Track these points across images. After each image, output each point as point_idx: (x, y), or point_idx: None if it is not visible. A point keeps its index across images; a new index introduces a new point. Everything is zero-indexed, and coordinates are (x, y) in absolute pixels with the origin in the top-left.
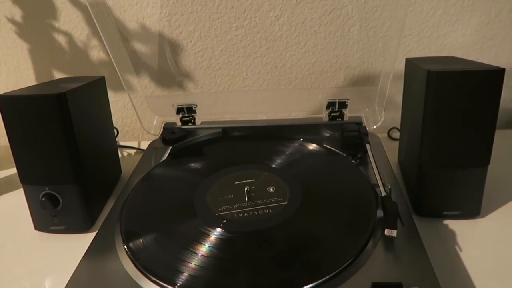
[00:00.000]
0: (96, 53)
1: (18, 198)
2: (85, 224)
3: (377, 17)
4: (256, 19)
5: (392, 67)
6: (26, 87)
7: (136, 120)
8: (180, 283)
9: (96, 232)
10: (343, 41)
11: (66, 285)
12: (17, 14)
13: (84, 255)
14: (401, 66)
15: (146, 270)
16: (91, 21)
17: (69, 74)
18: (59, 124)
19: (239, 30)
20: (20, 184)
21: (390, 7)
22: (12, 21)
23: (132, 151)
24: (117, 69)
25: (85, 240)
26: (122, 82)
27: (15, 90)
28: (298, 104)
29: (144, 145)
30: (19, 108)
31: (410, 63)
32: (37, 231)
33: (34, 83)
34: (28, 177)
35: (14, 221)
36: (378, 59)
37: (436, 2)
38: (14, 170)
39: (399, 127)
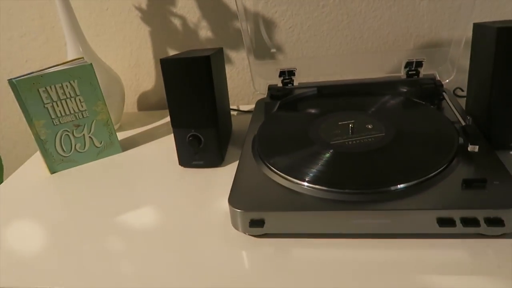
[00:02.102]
0: (204, 33)
1: (153, 147)
2: (219, 160)
3: None
4: None
5: (465, 29)
6: (174, 54)
7: (233, 89)
8: (308, 179)
9: (238, 161)
10: (414, 13)
11: (231, 189)
12: (143, 2)
13: (237, 169)
14: (466, 33)
15: (285, 173)
16: (202, 6)
17: (180, 51)
18: (204, 81)
19: (325, 8)
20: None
21: None
22: (139, 8)
23: (235, 113)
24: (244, 41)
25: (219, 172)
26: (246, 51)
27: (169, 56)
28: (375, 66)
29: (243, 108)
30: (175, 68)
31: (478, 26)
32: (181, 167)
33: (152, 60)
34: (179, 122)
35: (159, 161)
36: (445, 27)
37: None
38: (138, 131)
39: (462, 87)
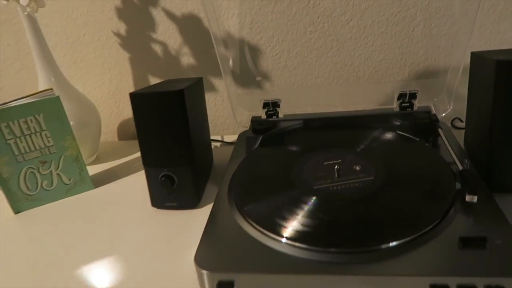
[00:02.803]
0: (186, 59)
1: (128, 183)
2: (194, 201)
3: (440, 17)
4: (329, 23)
5: (462, 60)
6: (145, 87)
7: (218, 118)
8: (287, 235)
9: (213, 203)
10: (408, 40)
11: (199, 243)
12: (122, 28)
13: (208, 220)
14: (465, 60)
15: (260, 226)
16: (184, 31)
17: (162, 79)
18: (178, 116)
19: (313, 34)
20: (123, 173)
21: (454, 7)
22: (117, 34)
23: (218, 144)
24: (221, 70)
25: (193, 215)
26: (224, 80)
27: (140, 89)
28: (367, 97)
29: (226, 139)
30: (147, 103)
31: (476, 55)
32: (153, 208)
33: (132, 87)
34: (151, 161)
35: (131, 200)
36: (441, 54)
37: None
38: (116, 162)
39: (461, 117)
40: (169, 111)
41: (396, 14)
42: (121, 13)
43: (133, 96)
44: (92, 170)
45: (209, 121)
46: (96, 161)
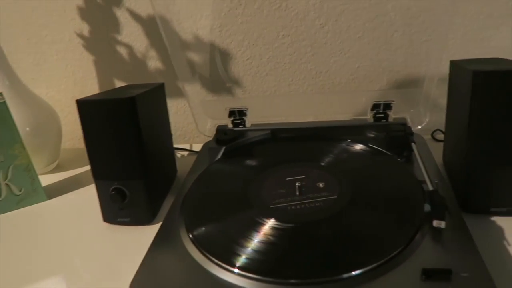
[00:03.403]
0: (153, 63)
1: (86, 194)
2: (148, 217)
3: (420, 23)
4: (302, 28)
5: (437, 69)
6: (98, 93)
7: (188, 125)
8: (239, 264)
9: (161, 222)
10: (386, 46)
11: (138, 269)
12: (85, 29)
13: (152, 242)
14: (444, 69)
15: (210, 253)
16: (150, 34)
17: (128, 82)
18: (129, 125)
19: (286, 38)
20: (84, 182)
21: (434, 12)
22: (80, 35)
23: (185, 153)
24: (178, 76)
25: (147, 231)
26: (182, 87)
27: (89, 96)
28: (342, 107)
29: (195, 147)
30: (95, 110)
31: (455, 65)
32: (105, 223)
33: (97, 91)
34: (100, 173)
35: (83, 214)
36: (422, 62)
37: (480, 6)
38: (78, 171)
39: (442, 129)
40: (119, 119)
41: (374, 18)
42: (84, 13)
43: (80, 104)
44: (51, 179)
45: (179, 129)
46: (57, 169)
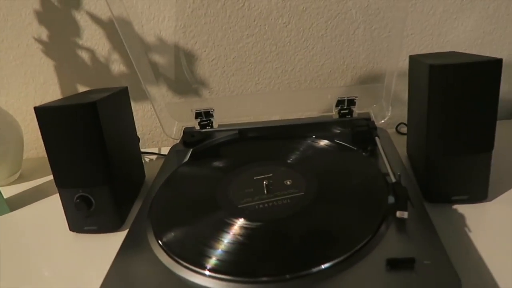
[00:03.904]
0: (117, 67)
1: (51, 204)
2: (116, 223)
3: (380, 19)
4: (266, 27)
5: (396, 64)
6: (58, 99)
7: (155, 128)
8: (210, 266)
9: (129, 228)
10: (349, 43)
11: (106, 277)
12: (44, 34)
13: (119, 249)
14: (405, 64)
15: (179, 257)
16: (112, 37)
17: (92, 87)
18: (91, 131)
19: (250, 38)
20: (49, 191)
21: (392, 9)
22: (39, 40)
23: (154, 157)
24: (141, 79)
25: (116, 238)
26: (146, 91)
27: (49, 102)
28: (309, 104)
29: (164, 151)
30: (54, 117)
31: (414, 59)
32: (71, 232)
33: (60, 97)
34: (64, 181)
35: (49, 224)
36: (383, 58)
37: (436, 1)
38: (42, 180)
39: (406, 123)
40: (80, 126)
41: (336, 16)
42: (42, 17)
43: (39, 111)
44: (14, 190)
45: (147, 133)
46: (20, 179)
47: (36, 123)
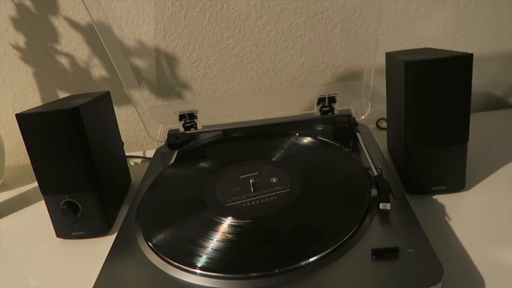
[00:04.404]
0: (98, 71)
1: (36, 211)
2: (104, 228)
3: (356, 18)
4: (245, 28)
5: (373, 62)
6: (39, 106)
7: (139, 132)
8: (201, 265)
9: (117, 231)
10: (327, 42)
11: (96, 280)
12: (21, 40)
13: (109, 253)
14: (382, 61)
15: (170, 258)
16: (91, 41)
17: (72, 93)
18: (75, 136)
19: (230, 40)
20: (33, 199)
21: (367, 8)
22: (16, 47)
23: (139, 160)
24: (123, 83)
25: (104, 243)
26: (129, 95)
27: (30, 109)
28: (291, 103)
29: (149, 154)
30: (37, 124)
31: (390, 56)
32: (59, 238)
33: (40, 103)
34: (49, 187)
35: (35, 232)
36: (361, 56)
37: (409, 1)
38: (25, 188)
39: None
40: (63, 131)
41: (313, 16)
42: (18, 23)
43: (20, 118)
44: None
45: (131, 136)
46: (2, 188)
47: (16, 130)
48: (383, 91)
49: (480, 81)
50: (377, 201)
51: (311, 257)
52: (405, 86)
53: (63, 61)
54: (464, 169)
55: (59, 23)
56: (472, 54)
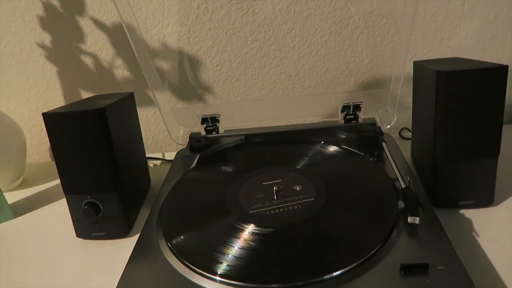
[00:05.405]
0: (121, 72)
1: (56, 210)
2: (124, 230)
3: (383, 25)
4: (270, 32)
5: (402, 70)
6: (65, 105)
7: (159, 133)
8: (221, 272)
9: (139, 234)
10: (352, 49)
11: (119, 283)
12: (46, 39)
13: (131, 255)
14: (408, 69)
15: (191, 263)
16: (116, 42)
17: (95, 93)
18: (100, 137)
19: (254, 44)
20: (53, 197)
21: (396, 15)
22: (42, 46)
23: (158, 162)
24: (148, 84)
25: (124, 244)
26: (152, 96)
27: (56, 108)
28: (312, 110)
29: (168, 156)
30: (63, 123)
31: (418, 65)
32: (78, 238)
33: (62, 103)
34: (71, 187)
35: (55, 230)
36: (386, 63)
37: (438, 8)
38: (46, 186)
39: (409, 127)
40: (89, 131)
41: (339, 22)
42: (45, 23)
43: (47, 117)
44: (17, 196)
45: (150, 138)
46: (23, 185)
47: (38, 128)
48: (406, 100)
49: (509, 91)
50: (404, 214)
51: (335, 271)
52: (435, 96)
53: (87, 61)
54: (494, 183)
55: (85, 23)
56: (507, 66)
